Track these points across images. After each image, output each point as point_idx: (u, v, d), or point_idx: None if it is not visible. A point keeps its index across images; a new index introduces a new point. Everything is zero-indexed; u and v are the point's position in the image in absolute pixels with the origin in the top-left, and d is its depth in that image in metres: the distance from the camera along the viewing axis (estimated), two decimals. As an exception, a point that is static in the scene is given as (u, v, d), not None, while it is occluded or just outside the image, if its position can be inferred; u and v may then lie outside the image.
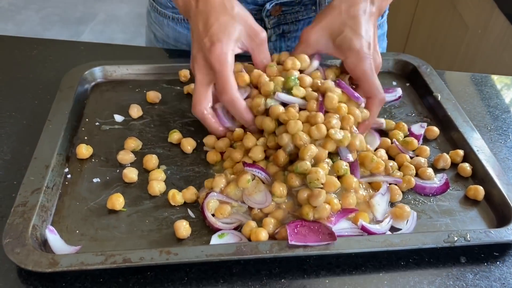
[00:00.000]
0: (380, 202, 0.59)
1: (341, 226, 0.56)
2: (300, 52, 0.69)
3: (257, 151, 0.62)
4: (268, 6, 0.81)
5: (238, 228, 0.57)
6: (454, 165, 0.67)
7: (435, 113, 0.76)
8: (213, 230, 0.57)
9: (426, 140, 0.72)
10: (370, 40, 0.66)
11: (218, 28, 0.61)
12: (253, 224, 0.56)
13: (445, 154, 0.67)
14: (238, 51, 0.64)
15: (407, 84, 0.82)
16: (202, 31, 0.61)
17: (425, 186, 0.63)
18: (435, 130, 0.72)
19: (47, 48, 0.87)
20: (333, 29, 0.66)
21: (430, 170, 0.65)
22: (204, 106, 0.64)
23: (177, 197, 0.59)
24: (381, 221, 0.58)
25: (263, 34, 0.66)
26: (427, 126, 0.72)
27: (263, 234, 0.54)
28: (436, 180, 0.64)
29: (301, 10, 0.83)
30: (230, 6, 0.63)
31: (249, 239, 0.55)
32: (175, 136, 0.68)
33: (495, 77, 0.89)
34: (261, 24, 0.84)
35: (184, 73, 0.79)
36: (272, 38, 0.87)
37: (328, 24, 0.67)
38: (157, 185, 0.60)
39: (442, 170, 0.67)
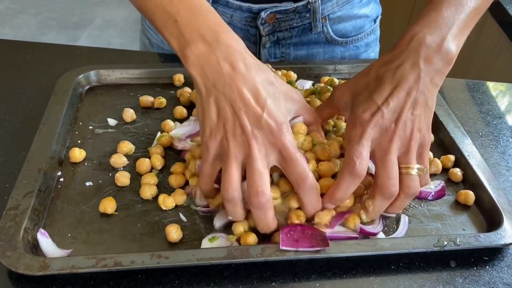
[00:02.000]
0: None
1: (336, 229, 0.57)
2: (325, 106, 0.62)
3: None
4: (263, 14, 0.82)
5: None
6: (444, 170, 0.68)
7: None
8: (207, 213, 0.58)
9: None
10: (385, 107, 0.53)
11: (273, 102, 0.51)
12: (243, 224, 0.56)
13: (436, 159, 0.68)
14: None
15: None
16: (254, 103, 0.50)
17: (420, 190, 0.63)
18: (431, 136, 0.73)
19: (43, 52, 0.88)
20: (356, 90, 0.57)
21: None
22: (269, 195, 0.51)
23: (167, 201, 0.59)
24: (373, 221, 0.59)
25: (298, 92, 0.59)
26: None
27: (251, 239, 0.54)
28: (431, 186, 0.64)
29: (296, 17, 0.84)
30: (263, 67, 0.53)
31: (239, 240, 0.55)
32: (163, 140, 0.68)
33: (490, 84, 0.90)
34: (256, 31, 0.85)
35: (178, 78, 0.79)
36: (267, 45, 0.87)
37: (354, 83, 0.58)
38: (149, 189, 0.61)
39: (433, 175, 0.67)
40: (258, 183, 0.50)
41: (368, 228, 0.57)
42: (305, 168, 0.52)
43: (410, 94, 0.53)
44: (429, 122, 0.55)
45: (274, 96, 0.52)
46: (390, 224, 0.60)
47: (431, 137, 0.55)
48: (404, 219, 0.60)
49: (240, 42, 0.53)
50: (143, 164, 0.64)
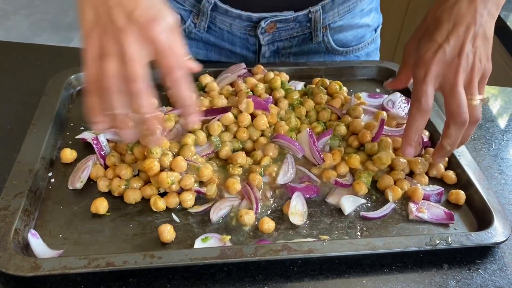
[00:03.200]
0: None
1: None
2: (403, 65, 0.66)
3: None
4: (263, 23, 0.82)
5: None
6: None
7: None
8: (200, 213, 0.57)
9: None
10: (446, 44, 0.57)
11: (148, 2, 0.51)
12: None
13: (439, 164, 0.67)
14: None
15: (391, 91, 0.83)
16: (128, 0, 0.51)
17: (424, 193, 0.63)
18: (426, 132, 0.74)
19: (34, 53, 0.87)
20: (418, 36, 0.61)
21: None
22: (145, 79, 0.51)
23: (158, 203, 0.59)
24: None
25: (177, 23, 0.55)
26: None
27: (249, 216, 0.57)
28: (427, 188, 0.64)
29: (296, 27, 0.84)
30: None
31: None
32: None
33: (482, 87, 0.90)
34: (255, 41, 0.85)
35: (171, 79, 0.78)
36: (266, 54, 0.87)
37: (416, 33, 0.63)
38: (132, 193, 0.60)
39: (434, 178, 0.67)
40: (130, 69, 0.50)
41: (342, 181, 0.63)
42: (177, 58, 0.51)
43: (470, 28, 0.57)
44: (488, 52, 0.59)
45: (151, 2, 0.52)
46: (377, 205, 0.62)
47: (490, 67, 0.59)
48: (390, 205, 0.61)
49: None
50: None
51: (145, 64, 0.51)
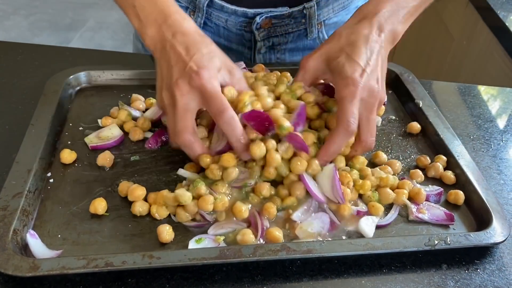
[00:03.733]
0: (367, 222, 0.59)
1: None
2: (300, 79, 0.66)
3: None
4: (258, 19, 0.82)
5: None
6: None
7: (417, 120, 0.76)
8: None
9: (410, 135, 0.74)
10: (368, 69, 0.60)
11: (201, 56, 0.58)
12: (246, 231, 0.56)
13: (438, 163, 0.67)
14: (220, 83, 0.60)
15: (390, 91, 0.83)
16: (185, 56, 0.58)
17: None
18: (417, 125, 0.75)
19: (33, 53, 0.87)
20: (330, 55, 0.63)
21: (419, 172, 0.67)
22: (191, 132, 0.58)
23: (160, 210, 0.58)
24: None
25: (240, 70, 0.64)
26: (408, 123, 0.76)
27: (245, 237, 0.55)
28: (426, 188, 0.64)
29: (291, 23, 0.84)
30: (208, 40, 0.61)
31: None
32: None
33: (481, 88, 0.91)
34: (251, 36, 0.85)
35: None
36: (262, 50, 0.87)
37: (326, 50, 0.64)
38: (140, 206, 0.59)
39: (433, 179, 0.67)
40: (180, 126, 0.57)
41: (360, 209, 0.60)
42: (223, 101, 0.57)
43: (379, 56, 0.63)
44: (384, 82, 0.64)
45: (208, 54, 0.59)
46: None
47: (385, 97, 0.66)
48: (396, 208, 0.61)
49: (189, 21, 0.62)
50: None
51: (194, 114, 0.58)
